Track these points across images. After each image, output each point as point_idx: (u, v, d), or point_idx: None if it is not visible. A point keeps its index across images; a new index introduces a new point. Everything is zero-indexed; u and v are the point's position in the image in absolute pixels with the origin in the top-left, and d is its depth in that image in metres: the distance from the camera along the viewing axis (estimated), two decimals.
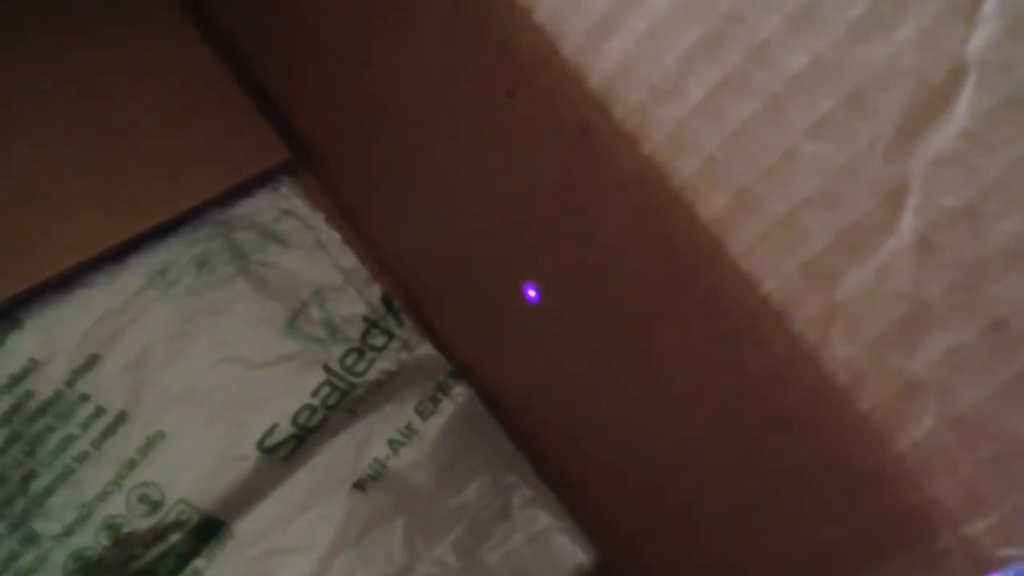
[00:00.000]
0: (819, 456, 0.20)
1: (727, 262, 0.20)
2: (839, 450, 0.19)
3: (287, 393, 0.35)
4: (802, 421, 0.20)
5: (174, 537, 0.32)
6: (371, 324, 0.36)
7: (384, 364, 0.36)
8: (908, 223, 0.18)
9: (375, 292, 0.37)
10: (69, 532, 0.31)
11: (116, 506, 0.32)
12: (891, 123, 0.18)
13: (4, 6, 0.33)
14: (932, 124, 0.17)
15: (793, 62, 0.18)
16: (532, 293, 0.28)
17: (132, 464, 0.32)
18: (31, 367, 0.32)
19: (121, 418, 0.33)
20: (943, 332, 0.18)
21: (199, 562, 0.31)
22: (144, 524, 0.32)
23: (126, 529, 0.32)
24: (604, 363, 0.25)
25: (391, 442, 0.34)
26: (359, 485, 0.33)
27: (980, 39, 0.17)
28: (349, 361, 0.36)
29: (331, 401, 0.35)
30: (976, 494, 0.18)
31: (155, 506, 0.32)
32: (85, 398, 0.33)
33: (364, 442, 0.34)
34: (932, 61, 0.17)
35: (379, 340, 0.36)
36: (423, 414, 0.35)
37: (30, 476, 0.31)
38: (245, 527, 0.32)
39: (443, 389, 0.36)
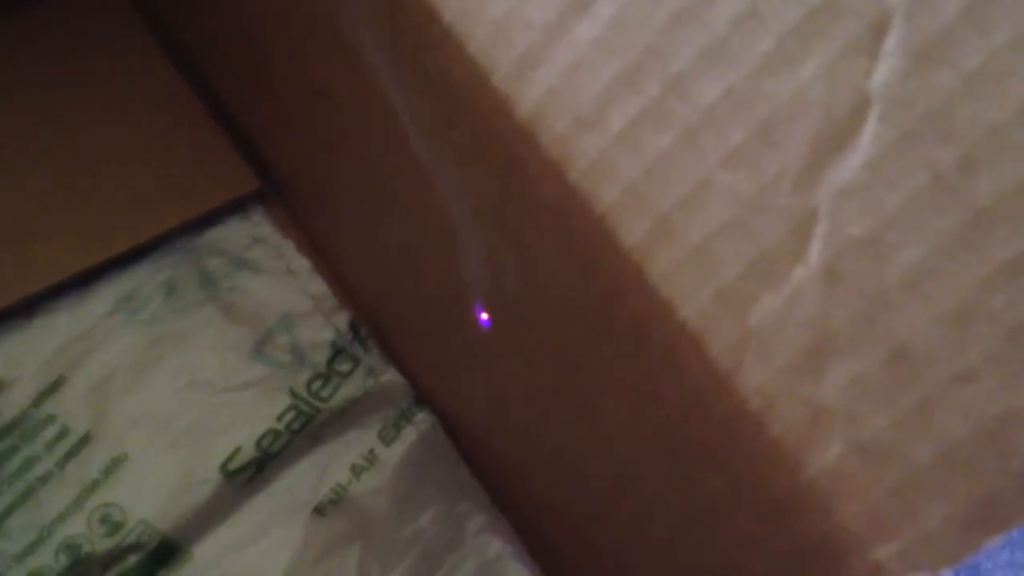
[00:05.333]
0: (736, 485, 0.20)
1: (647, 289, 0.20)
2: (754, 477, 0.20)
3: (252, 417, 0.35)
4: (719, 450, 0.20)
5: (132, 559, 0.32)
6: (338, 350, 0.37)
7: (349, 390, 0.36)
8: (816, 252, 0.18)
9: (343, 318, 0.38)
10: (28, 552, 0.32)
11: (77, 527, 0.32)
12: (799, 155, 0.18)
13: None
14: (838, 156, 0.18)
15: (707, 94, 0.19)
16: (485, 316, 0.28)
17: (95, 485, 0.33)
18: None
19: (85, 440, 0.33)
20: (849, 359, 0.18)
21: None
22: (104, 545, 0.32)
23: (86, 550, 0.32)
24: (541, 394, 0.25)
25: (353, 467, 0.35)
26: (319, 510, 0.34)
27: (882, 74, 0.17)
28: (315, 386, 0.36)
29: (295, 426, 0.35)
30: (882, 520, 0.18)
31: (116, 527, 0.32)
32: (50, 419, 0.33)
33: (326, 467, 0.34)
34: (837, 95, 0.18)
35: (345, 366, 0.37)
36: (386, 440, 0.35)
37: None
38: (203, 551, 0.32)
39: (406, 416, 0.36)
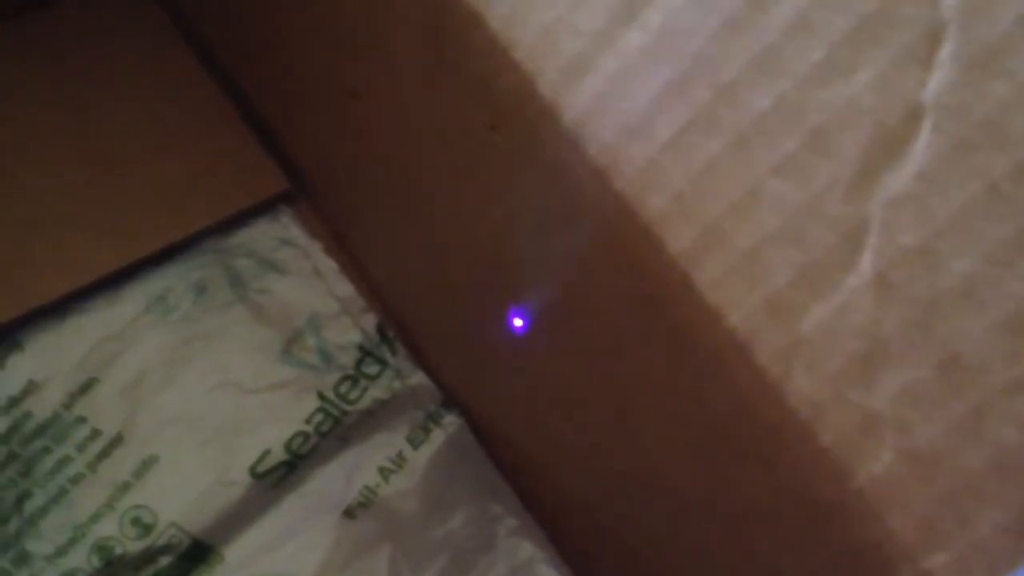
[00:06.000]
0: (781, 489, 0.20)
1: (694, 295, 0.20)
2: (800, 484, 0.20)
3: (280, 419, 0.35)
4: (765, 454, 0.20)
5: (164, 560, 0.32)
6: (365, 352, 0.37)
7: (377, 392, 0.37)
8: (867, 261, 0.18)
9: (370, 321, 0.38)
10: (61, 553, 0.32)
11: (109, 528, 0.32)
12: (851, 163, 0.18)
13: (4, 31, 0.34)
14: (890, 165, 0.18)
15: (758, 102, 0.19)
16: (519, 323, 0.28)
17: (126, 487, 0.33)
18: (30, 389, 0.33)
19: (116, 441, 0.33)
20: (900, 368, 0.18)
21: None
22: (136, 547, 0.32)
23: (118, 551, 0.32)
24: (577, 396, 0.25)
25: (381, 470, 0.35)
26: (348, 512, 0.34)
27: (936, 83, 0.17)
28: (343, 389, 0.36)
29: (324, 428, 0.35)
30: (933, 529, 0.18)
31: (147, 529, 0.32)
32: (82, 420, 0.33)
33: (355, 469, 0.35)
34: (890, 104, 0.18)
35: (373, 368, 0.37)
36: (414, 443, 0.35)
37: (25, 496, 0.32)
38: (234, 552, 0.32)
39: (434, 418, 0.36)
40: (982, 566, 0.18)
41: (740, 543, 0.23)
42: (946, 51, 0.17)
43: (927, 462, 0.18)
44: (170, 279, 0.35)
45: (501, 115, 0.23)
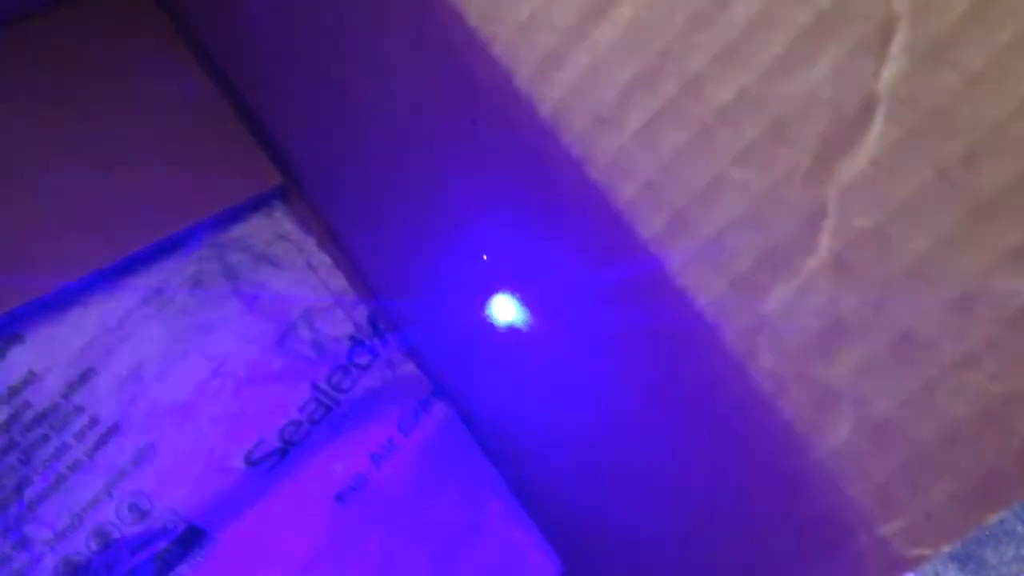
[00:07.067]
0: (751, 465, 0.21)
1: (665, 279, 0.21)
2: (767, 458, 0.21)
3: (274, 408, 0.36)
4: (735, 431, 0.21)
5: (160, 544, 0.33)
6: (357, 343, 0.38)
7: (368, 382, 0.38)
8: (825, 243, 0.19)
9: (362, 313, 0.39)
10: (60, 537, 0.33)
11: (106, 513, 0.33)
12: (809, 151, 0.19)
13: (8, 33, 0.35)
14: (846, 152, 0.19)
15: (722, 94, 0.20)
16: (507, 313, 0.29)
17: (123, 474, 0.34)
18: (29, 379, 0.34)
19: (114, 429, 0.34)
20: (857, 345, 0.19)
21: (182, 568, 0.32)
22: (132, 531, 0.33)
23: (115, 536, 0.33)
24: (560, 383, 0.26)
25: (373, 456, 0.36)
26: (339, 498, 0.35)
27: (889, 74, 0.18)
28: (335, 378, 0.37)
29: (316, 416, 0.36)
30: (888, 498, 0.19)
31: (143, 514, 0.33)
32: (80, 409, 0.34)
33: (347, 456, 0.35)
34: (846, 94, 0.19)
35: (364, 359, 0.38)
36: (404, 430, 0.36)
37: (25, 483, 0.33)
38: (228, 537, 0.33)
39: (424, 407, 0.37)
40: (935, 533, 0.18)
41: (719, 525, 0.24)
42: (898, 43, 0.18)
43: (883, 434, 0.19)
44: (167, 272, 0.36)
45: (481, 108, 0.24)
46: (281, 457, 0.35)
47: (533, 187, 0.23)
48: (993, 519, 0.18)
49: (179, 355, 0.36)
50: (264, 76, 0.35)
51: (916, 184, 0.18)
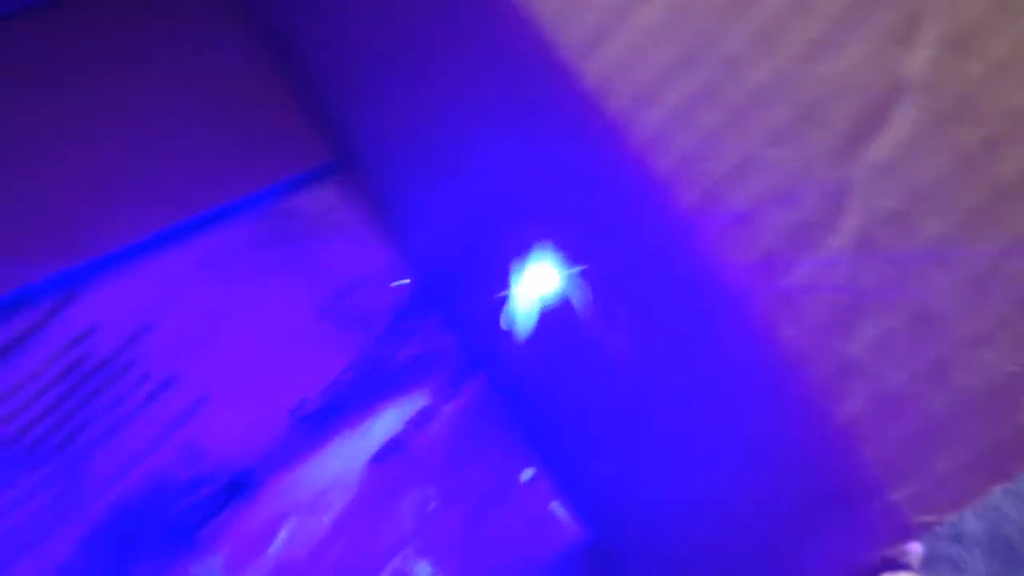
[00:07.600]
0: (774, 433, 0.22)
1: (696, 250, 0.22)
2: (789, 426, 0.22)
3: (319, 371, 0.38)
4: (759, 395, 0.22)
5: (207, 491, 0.35)
6: (400, 314, 0.39)
7: (409, 351, 0.39)
8: (850, 222, 0.20)
9: (406, 285, 0.40)
10: (113, 480, 0.34)
11: (158, 460, 0.35)
12: (839, 133, 0.20)
13: (75, 8, 0.37)
14: (874, 135, 0.20)
15: (757, 76, 0.21)
16: (542, 286, 0.30)
17: (175, 424, 0.36)
18: (88, 332, 0.36)
19: (167, 383, 0.36)
20: (875, 320, 0.20)
21: (227, 514, 0.34)
22: (182, 477, 0.35)
23: (165, 480, 0.35)
24: (588, 348, 0.27)
25: (410, 422, 0.37)
26: (378, 458, 0.36)
27: (917, 62, 0.19)
28: (378, 346, 0.39)
29: (358, 381, 0.38)
30: (899, 466, 0.20)
31: (194, 462, 0.35)
32: (135, 362, 0.36)
33: (387, 420, 0.37)
34: (876, 80, 0.19)
35: (406, 329, 0.39)
36: (442, 399, 0.38)
37: (81, 428, 0.35)
38: (271, 487, 0.35)
39: (461, 378, 0.38)
40: (943, 499, 0.19)
41: (743, 497, 0.25)
42: (926, 32, 0.19)
43: (897, 405, 0.20)
44: (222, 238, 0.38)
45: (527, 77, 0.25)
46: (324, 417, 0.36)
47: (576, 156, 0.24)
48: (997, 490, 0.19)
49: (231, 315, 0.37)
50: (323, 49, 0.36)
51: (939, 168, 0.19)
